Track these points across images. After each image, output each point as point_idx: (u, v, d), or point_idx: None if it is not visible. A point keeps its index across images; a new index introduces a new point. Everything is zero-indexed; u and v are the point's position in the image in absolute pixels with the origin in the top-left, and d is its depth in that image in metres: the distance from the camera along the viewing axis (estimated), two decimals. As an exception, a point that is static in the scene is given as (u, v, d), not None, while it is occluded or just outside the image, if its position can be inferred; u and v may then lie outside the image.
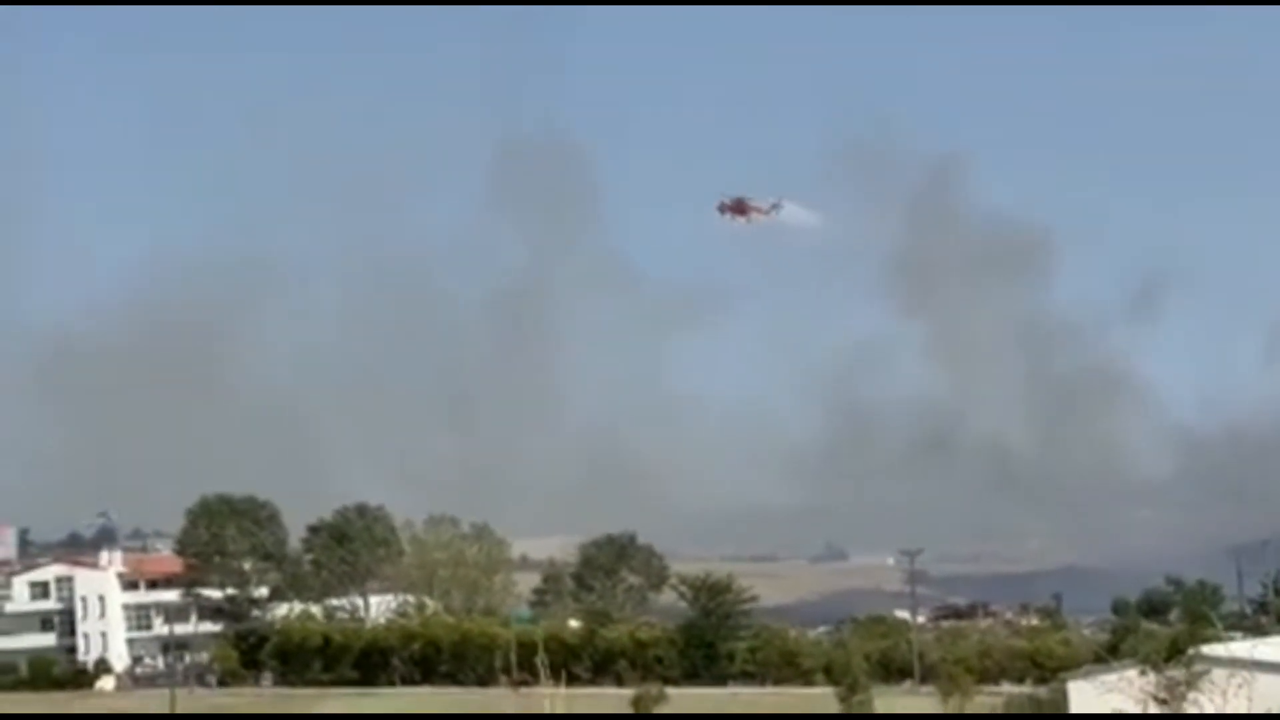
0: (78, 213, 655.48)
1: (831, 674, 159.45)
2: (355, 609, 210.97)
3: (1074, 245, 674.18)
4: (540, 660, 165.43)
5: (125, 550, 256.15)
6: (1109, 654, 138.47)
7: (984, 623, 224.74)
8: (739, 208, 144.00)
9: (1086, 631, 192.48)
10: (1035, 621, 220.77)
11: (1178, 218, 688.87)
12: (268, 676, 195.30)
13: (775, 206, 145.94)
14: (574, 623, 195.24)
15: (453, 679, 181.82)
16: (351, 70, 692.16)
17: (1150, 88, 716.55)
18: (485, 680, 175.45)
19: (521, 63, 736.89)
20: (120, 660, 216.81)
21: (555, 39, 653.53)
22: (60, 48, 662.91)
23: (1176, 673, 76.13)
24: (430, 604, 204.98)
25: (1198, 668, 76.48)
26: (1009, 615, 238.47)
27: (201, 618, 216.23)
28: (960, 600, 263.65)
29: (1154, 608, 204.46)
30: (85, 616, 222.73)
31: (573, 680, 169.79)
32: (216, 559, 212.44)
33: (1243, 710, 74.83)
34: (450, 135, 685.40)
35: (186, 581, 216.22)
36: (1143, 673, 76.83)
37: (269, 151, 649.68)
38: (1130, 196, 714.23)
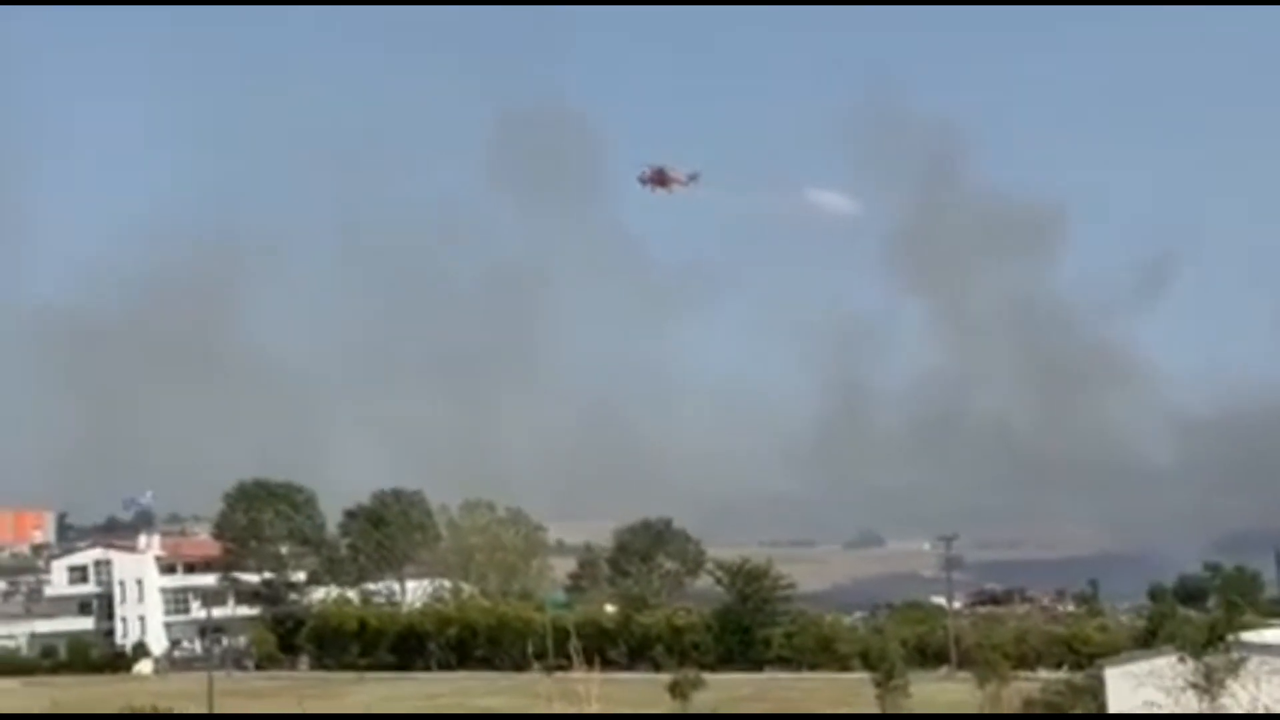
0: (78, 186, 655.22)
1: (868, 659, 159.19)
2: (392, 593, 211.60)
3: (1091, 221, 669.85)
4: (573, 646, 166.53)
5: (163, 534, 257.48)
6: (1146, 640, 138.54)
7: (1020, 609, 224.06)
8: (659, 179, 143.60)
9: (1123, 618, 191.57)
10: (1072, 608, 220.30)
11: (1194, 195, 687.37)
12: (304, 660, 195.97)
13: (693, 178, 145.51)
14: (610, 608, 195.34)
15: (488, 663, 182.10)
16: (349, 40, 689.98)
17: (1167, 63, 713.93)
18: (521, 665, 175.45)
19: (524, 33, 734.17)
20: (158, 644, 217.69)
21: (558, 9, 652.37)
22: (55, 17, 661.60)
23: (1215, 659, 75.85)
24: (466, 588, 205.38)
25: (1236, 655, 76.21)
26: (1045, 601, 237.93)
27: (239, 602, 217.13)
28: (996, 586, 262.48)
29: (1191, 594, 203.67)
30: (123, 600, 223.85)
31: (609, 665, 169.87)
32: (254, 543, 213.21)
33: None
34: (450, 107, 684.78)
35: (224, 565, 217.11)
36: (1181, 659, 76.58)
37: (268, 124, 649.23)
38: (1144, 172, 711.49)
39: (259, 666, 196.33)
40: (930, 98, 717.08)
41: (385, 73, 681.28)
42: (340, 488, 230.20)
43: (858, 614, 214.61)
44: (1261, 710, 74.65)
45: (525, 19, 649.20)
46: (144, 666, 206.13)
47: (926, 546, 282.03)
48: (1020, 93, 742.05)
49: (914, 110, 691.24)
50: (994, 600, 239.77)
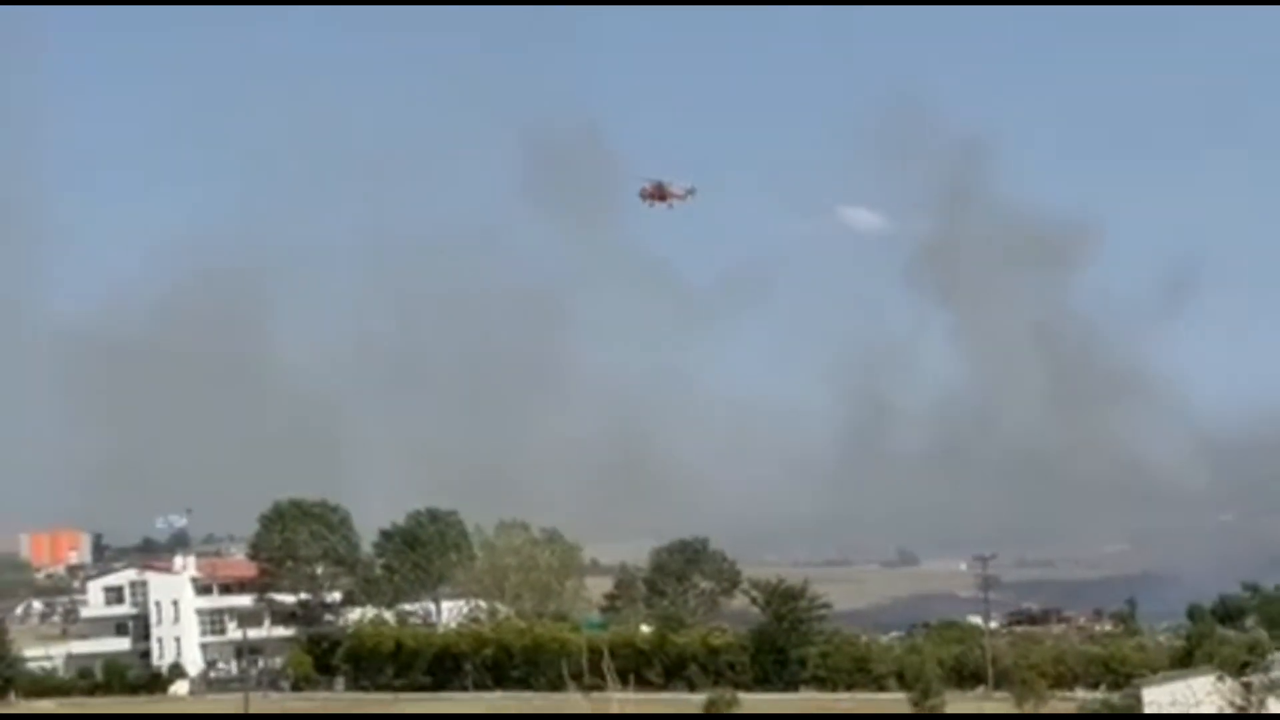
0: (104, 203, 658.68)
1: (904, 679, 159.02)
2: (427, 614, 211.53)
3: (1120, 237, 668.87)
4: (607, 665, 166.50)
5: (199, 555, 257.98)
6: (1184, 660, 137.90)
7: (1057, 628, 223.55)
8: (658, 193, 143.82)
9: (1161, 638, 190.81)
10: (1109, 627, 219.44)
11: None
12: (340, 681, 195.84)
13: (690, 191, 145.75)
14: (645, 628, 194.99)
15: (524, 684, 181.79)
16: (378, 55, 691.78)
17: (1196, 80, 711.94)
18: (556, 685, 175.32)
19: (550, 47, 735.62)
20: (194, 665, 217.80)
21: (585, 25, 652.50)
22: (79, 32, 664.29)
23: (1254, 679, 75.50)
24: (502, 609, 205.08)
25: (1276, 674, 75.85)
26: (1082, 621, 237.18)
27: (274, 622, 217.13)
28: (1033, 605, 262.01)
29: (1230, 614, 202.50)
30: (159, 621, 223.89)
31: (645, 685, 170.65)
32: (289, 564, 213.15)
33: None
34: (476, 121, 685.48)
35: (259, 586, 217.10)
36: (1219, 679, 76.23)
37: (292, 139, 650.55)
38: (1172, 188, 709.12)
39: (295, 687, 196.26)
40: (956, 113, 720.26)
41: (411, 87, 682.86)
42: (371, 507, 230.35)
43: (894, 633, 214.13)
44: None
45: (550, 33, 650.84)
46: (180, 688, 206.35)
47: (963, 566, 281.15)
48: (1046, 109, 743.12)
49: (940, 126, 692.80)
50: (1031, 620, 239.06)
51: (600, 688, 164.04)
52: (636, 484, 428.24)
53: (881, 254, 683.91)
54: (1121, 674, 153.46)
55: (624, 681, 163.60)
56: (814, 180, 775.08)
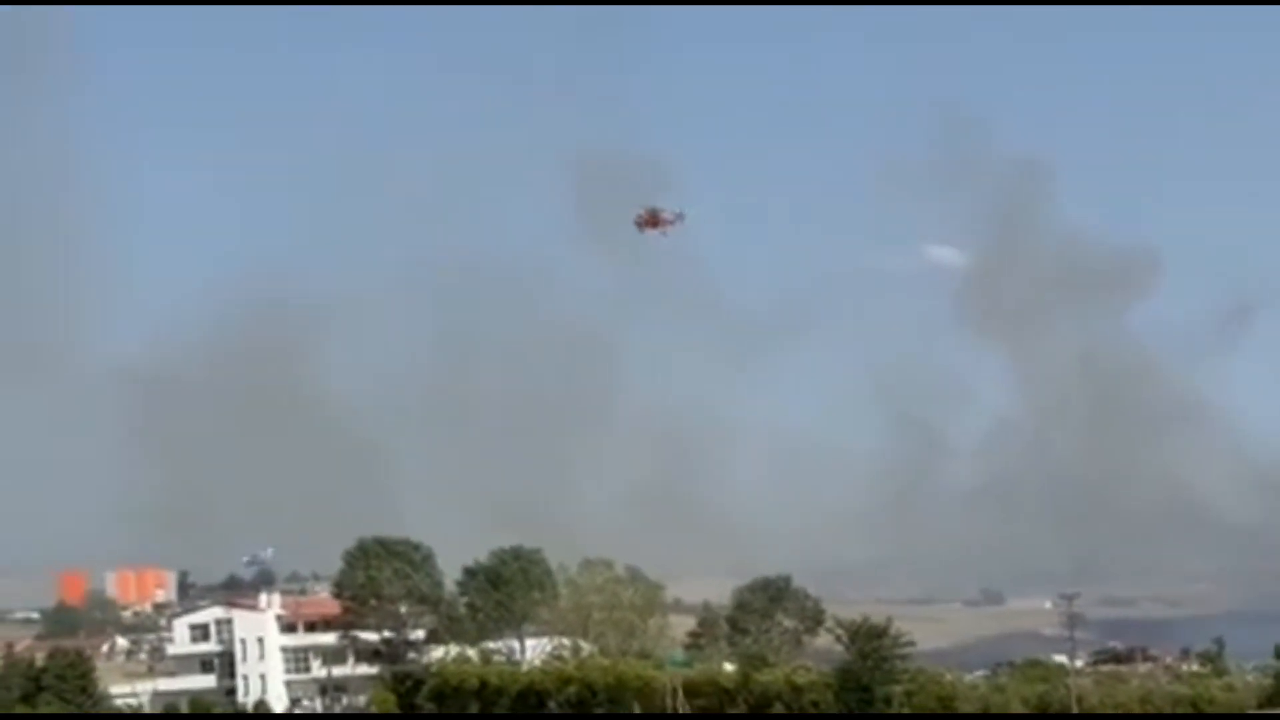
0: (157, 242, 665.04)
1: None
2: (511, 652, 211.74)
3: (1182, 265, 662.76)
4: (680, 702, 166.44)
5: (283, 592, 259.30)
6: (1273, 699, 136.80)
7: (1144, 667, 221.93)
8: (652, 220, 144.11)
9: (1250, 677, 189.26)
10: (1196, 666, 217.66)
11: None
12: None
13: (679, 216, 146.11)
14: (729, 666, 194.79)
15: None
16: (429, 86, 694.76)
17: (1254, 110, 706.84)
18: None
19: (600, 75, 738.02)
20: (279, 702, 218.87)
21: (633, 51, 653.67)
22: (127, 70, 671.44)
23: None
24: (585, 647, 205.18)
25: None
26: (1169, 660, 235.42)
27: (358, 660, 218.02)
28: (1119, 644, 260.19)
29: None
30: (244, 658, 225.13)
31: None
32: (373, 601, 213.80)
33: None
34: (523, 150, 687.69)
35: (343, 624, 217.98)
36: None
37: (339, 172, 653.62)
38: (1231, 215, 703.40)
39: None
40: (1010, 140, 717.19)
41: (453, 116, 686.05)
42: (446, 544, 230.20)
43: (978, 672, 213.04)
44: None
45: (601, 60, 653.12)
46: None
47: (1048, 604, 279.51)
48: (1101, 136, 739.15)
49: (993, 153, 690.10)
50: (1116, 659, 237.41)
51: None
52: (713, 522, 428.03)
53: (943, 284, 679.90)
54: (1210, 714, 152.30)
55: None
56: (863, 207, 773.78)
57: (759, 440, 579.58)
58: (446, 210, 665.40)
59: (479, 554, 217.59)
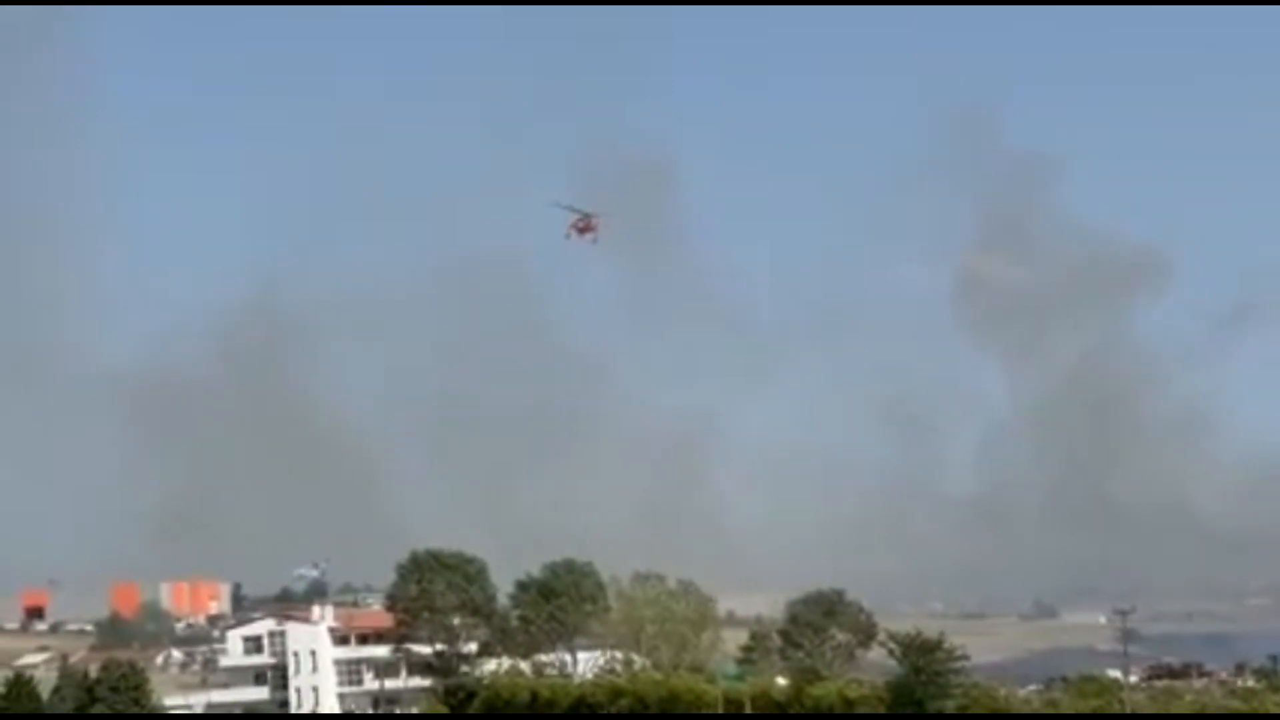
0: (172, 249, 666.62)
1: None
2: (563, 665, 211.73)
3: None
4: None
5: (336, 605, 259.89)
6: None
7: (1198, 683, 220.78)
8: (585, 225, 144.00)
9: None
10: (1252, 682, 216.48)
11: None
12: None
13: (594, 219, 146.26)
14: (782, 680, 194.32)
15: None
16: (430, 88, 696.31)
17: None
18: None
19: (610, 78, 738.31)
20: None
21: (645, 51, 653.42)
22: (137, 74, 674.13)
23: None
24: (638, 660, 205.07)
25: None
26: (1224, 675, 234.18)
27: (411, 673, 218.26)
28: (1174, 660, 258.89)
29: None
30: (297, 671, 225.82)
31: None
32: (426, 614, 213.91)
33: None
34: (523, 151, 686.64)
35: (396, 637, 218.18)
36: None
37: (347, 176, 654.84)
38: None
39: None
40: (1017, 139, 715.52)
41: (454, 118, 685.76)
42: (497, 557, 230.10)
43: (1032, 687, 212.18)
44: None
45: (612, 63, 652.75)
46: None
47: (1102, 619, 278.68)
48: (1114, 137, 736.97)
49: (1001, 151, 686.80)
50: (1171, 674, 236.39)
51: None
52: (763, 534, 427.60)
53: (958, 300, 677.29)
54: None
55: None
56: (872, 207, 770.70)
57: (819, 455, 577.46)
58: (447, 210, 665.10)
59: (512, 567, 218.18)
